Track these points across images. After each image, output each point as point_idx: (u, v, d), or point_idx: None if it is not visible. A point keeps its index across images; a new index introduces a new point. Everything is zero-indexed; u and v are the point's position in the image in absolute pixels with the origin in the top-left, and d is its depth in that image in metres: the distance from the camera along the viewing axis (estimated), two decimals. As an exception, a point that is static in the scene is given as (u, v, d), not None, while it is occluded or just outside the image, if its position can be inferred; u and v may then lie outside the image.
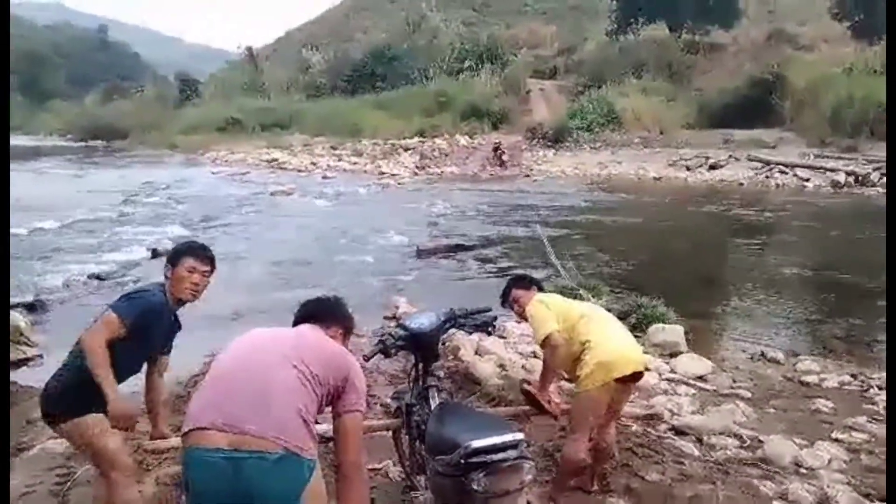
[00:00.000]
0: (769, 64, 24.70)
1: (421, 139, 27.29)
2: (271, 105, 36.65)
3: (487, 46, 35.28)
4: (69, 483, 3.50)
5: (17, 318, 6.18)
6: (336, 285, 7.58)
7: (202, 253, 3.00)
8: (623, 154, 23.80)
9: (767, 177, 19.35)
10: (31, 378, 5.26)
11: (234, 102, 37.85)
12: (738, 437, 4.10)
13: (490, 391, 4.67)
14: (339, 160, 25.32)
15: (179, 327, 3.14)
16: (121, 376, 2.74)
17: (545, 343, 3.30)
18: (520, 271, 7.32)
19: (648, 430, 4.19)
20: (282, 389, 1.95)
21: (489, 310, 3.44)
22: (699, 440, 4.08)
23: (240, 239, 11.76)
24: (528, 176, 22.02)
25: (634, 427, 4.23)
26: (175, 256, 2.99)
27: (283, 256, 10.28)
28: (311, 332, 2.34)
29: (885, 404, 4.56)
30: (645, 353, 5.63)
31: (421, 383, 3.17)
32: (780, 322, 7.20)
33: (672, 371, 5.34)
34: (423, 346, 3.19)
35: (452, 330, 3.42)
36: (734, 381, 5.18)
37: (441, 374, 3.30)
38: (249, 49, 48.66)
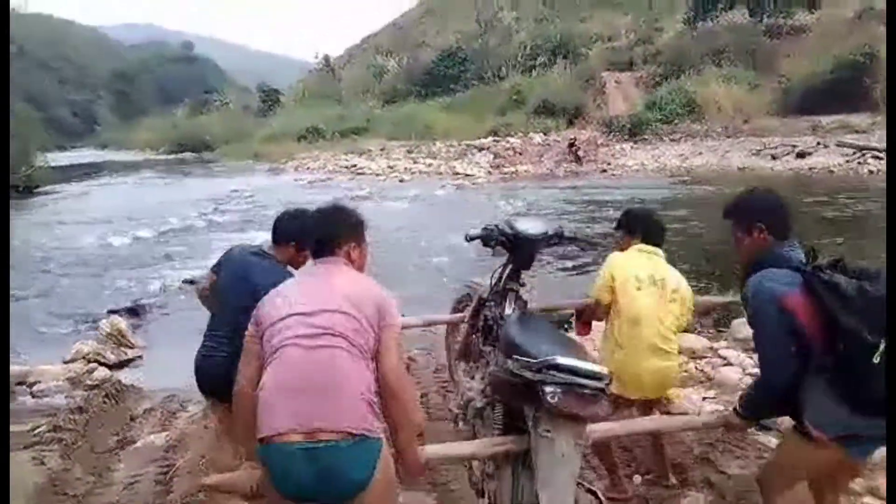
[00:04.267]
0: (859, 45, 23.36)
1: (495, 138, 27.32)
2: (348, 112, 37.51)
3: (560, 41, 34.95)
4: (171, 473, 3.76)
5: (119, 321, 6.62)
6: (413, 286, 7.74)
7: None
8: (704, 145, 23.13)
9: (860, 163, 18.36)
10: (133, 377, 5.66)
11: (314, 111, 38.94)
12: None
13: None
14: (415, 163, 25.65)
15: None
16: None
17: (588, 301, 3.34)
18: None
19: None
20: (343, 378, 2.03)
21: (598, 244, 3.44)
22: (781, 434, 3.98)
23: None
24: (605, 171, 21.71)
25: (715, 422, 4.17)
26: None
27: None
28: (339, 291, 2.20)
29: None
30: (728, 348, 5.57)
31: (503, 284, 3.21)
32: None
33: (755, 366, 5.20)
34: (521, 249, 3.21)
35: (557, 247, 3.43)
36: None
37: (524, 283, 3.29)
38: (327, 58, 49.98)
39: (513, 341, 2.56)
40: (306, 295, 2.19)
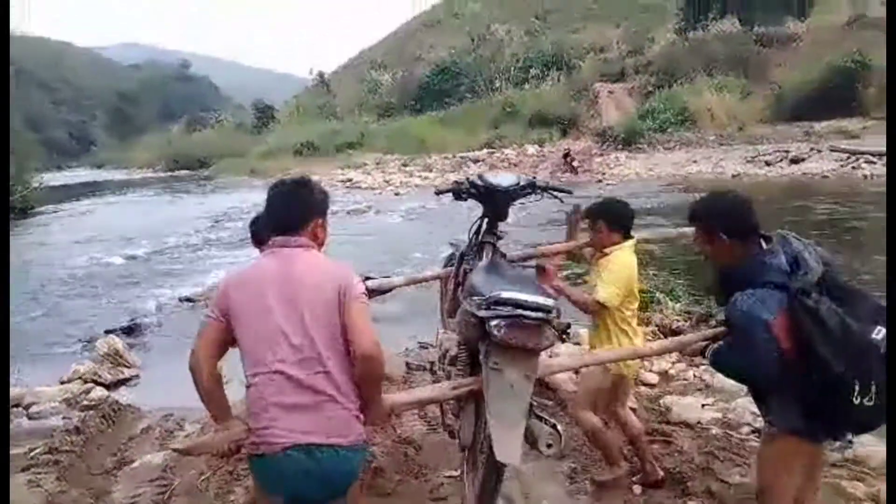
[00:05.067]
0: (850, 52, 23.55)
1: (490, 150, 27.39)
2: (343, 127, 37.62)
3: (553, 53, 35.20)
4: (168, 492, 3.73)
5: (116, 341, 6.60)
6: (408, 296, 7.71)
7: None
8: (698, 153, 23.24)
9: (854, 168, 18.44)
10: (130, 397, 5.63)
11: (309, 126, 39.04)
12: (826, 438, 3.96)
13: (565, 397, 4.69)
14: (410, 176, 25.72)
15: None
16: None
17: (599, 303, 3.27)
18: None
19: (730, 433, 4.11)
20: (329, 396, 2.14)
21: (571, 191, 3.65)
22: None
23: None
24: (600, 181, 21.75)
25: (715, 430, 4.16)
26: None
27: (358, 269, 10.51)
28: (306, 279, 2.23)
29: None
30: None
31: (479, 237, 3.31)
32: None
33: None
34: (494, 201, 3.31)
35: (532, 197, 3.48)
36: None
37: (502, 234, 3.38)
38: (321, 74, 50.21)
39: (472, 285, 2.67)
40: (275, 297, 2.19)
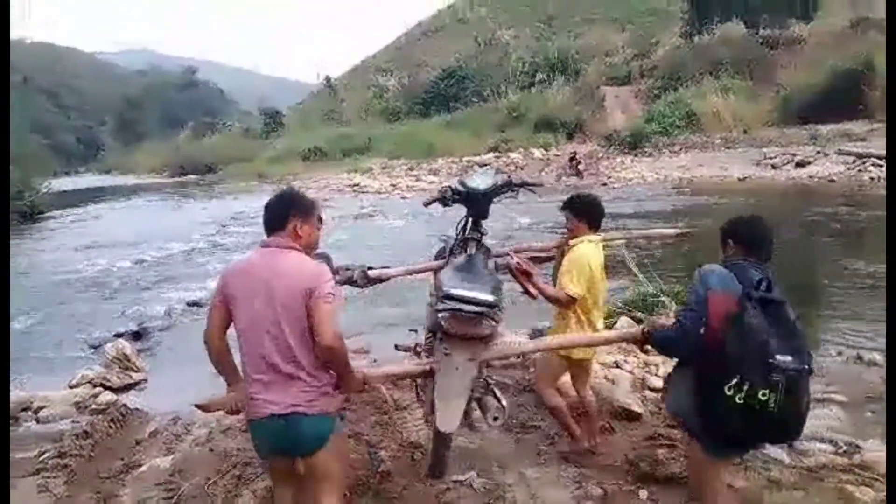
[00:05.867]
0: (855, 54, 23.45)
1: (496, 154, 27.41)
2: (350, 131, 37.70)
3: (558, 58, 35.20)
4: (176, 496, 3.75)
5: (124, 345, 6.62)
6: (415, 302, 7.72)
7: None
8: (704, 156, 23.19)
9: (860, 171, 18.37)
10: (138, 401, 5.65)
11: (316, 131, 39.12)
12: (832, 442, 3.97)
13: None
14: (417, 180, 25.73)
15: None
16: None
17: (570, 297, 3.56)
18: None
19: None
20: (293, 365, 2.59)
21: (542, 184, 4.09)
22: (789, 446, 3.96)
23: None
24: (605, 184, 21.74)
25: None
26: None
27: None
28: (280, 278, 2.61)
29: None
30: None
31: (464, 234, 3.70)
32: (876, 323, 6.82)
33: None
34: (474, 203, 3.71)
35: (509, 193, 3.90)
36: (827, 386, 4.97)
37: (485, 231, 3.77)
38: (328, 78, 50.35)
39: (438, 281, 3.16)
40: (258, 291, 2.61)
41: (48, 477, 4.12)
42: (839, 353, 5.75)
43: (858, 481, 3.50)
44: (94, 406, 5.47)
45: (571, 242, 3.73)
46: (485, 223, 3.80)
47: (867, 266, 9.18)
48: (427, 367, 3.01)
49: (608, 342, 3.67)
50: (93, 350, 7.38)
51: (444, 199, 3.73)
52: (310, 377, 2.61)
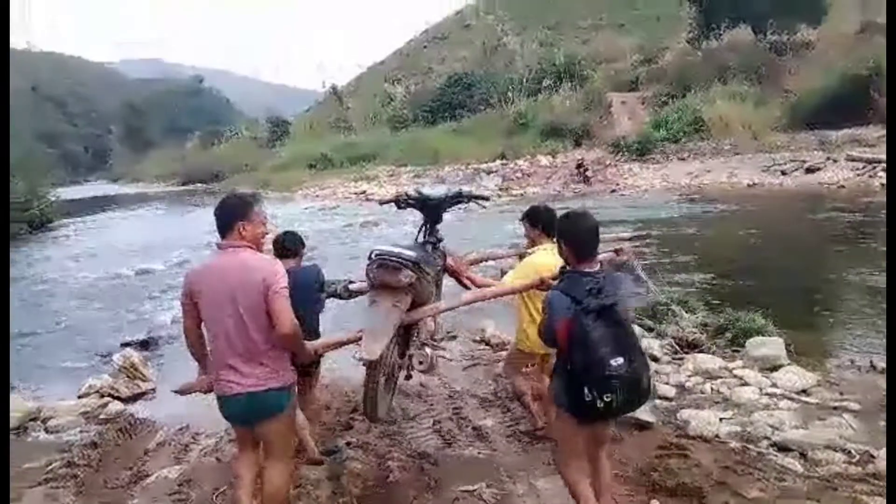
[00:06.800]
0: (864, 59, 23.32)
1: (502, 161, 27.40)
2: (357, 139, 37.80)
3: (565, 64, 35.17)
4: (185, 507, 3.74)
5: (132, 354, 6.61)
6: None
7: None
8: (713, 162, 23.07)
9: (871, 176, 18.23)
10: (146, 411, 5.65)
11: (322, 139, 39.22)
12: (846, 451, 3.91)
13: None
14: (424, 187, 25.72)
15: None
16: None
17: (491, 282, 4.09)
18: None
19: (748, 446, 4.06)
20: (251, 349, 2.98)
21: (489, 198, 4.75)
22: (803, 455, 3.91)
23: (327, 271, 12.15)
24: (614, 191, 21.69)
25: (733, 444, 4.11)
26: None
27: (356, 276, 10.52)
28: (236, 275, 2.98)
29: None
30: (743, 367, 5.51)
31: (423, 237, 4.13)
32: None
33: (773, 385, 5.11)
34: (429, 209, 4.16)
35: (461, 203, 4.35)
36: (841, 394, 4.90)
37: (441, 236, 4.21)
38: (334, 87, 50.54)
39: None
40: (218, 289, 2.98)
41: (56, 487, 4.12)
42: (852, 362, 5.67)
43: (872, 491, 3.44)
44: (102, 416, 5.47)
45: (529, 250, 4.07)
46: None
47: (880, 273, 9.10)
48: (360, 334, 3.30)
49: (514, 292, 3.88)
50: (101, 359, 7.38)
51: (399, 202, 4.24)
52: (268, 359, 3.01)
